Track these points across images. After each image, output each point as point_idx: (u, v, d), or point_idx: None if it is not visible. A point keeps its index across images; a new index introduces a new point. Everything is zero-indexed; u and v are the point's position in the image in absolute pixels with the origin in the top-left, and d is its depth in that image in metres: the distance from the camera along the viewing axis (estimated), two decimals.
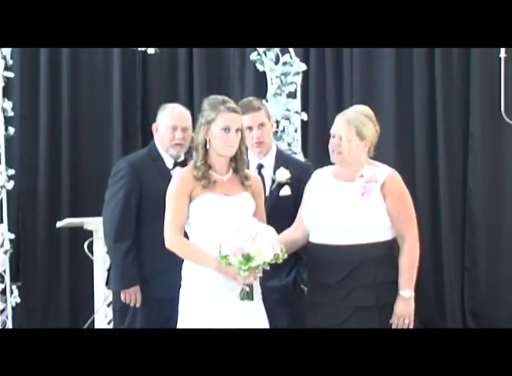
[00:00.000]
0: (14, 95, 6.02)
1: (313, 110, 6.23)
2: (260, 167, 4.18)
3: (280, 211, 4.02)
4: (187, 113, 4.28)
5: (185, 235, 3.64)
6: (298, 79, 5.66)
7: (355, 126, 3.65)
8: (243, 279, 3.42)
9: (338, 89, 6.47)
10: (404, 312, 3.60)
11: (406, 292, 3.61)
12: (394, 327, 3.61)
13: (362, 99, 6.28)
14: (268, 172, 4.17)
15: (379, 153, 6.14)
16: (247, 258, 3.36)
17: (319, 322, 3.64)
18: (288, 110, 5.63)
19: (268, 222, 3.69)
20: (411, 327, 3.63)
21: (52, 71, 6.30)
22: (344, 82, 6.47)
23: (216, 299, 3.53)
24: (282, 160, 4.23)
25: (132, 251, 4.02)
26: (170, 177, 3.89)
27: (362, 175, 3.63)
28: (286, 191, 4.12)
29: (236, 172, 3.63)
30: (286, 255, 3.45)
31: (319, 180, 3.78)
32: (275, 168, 4.16)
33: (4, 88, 5.51)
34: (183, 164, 4.09)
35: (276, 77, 5.63)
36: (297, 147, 5.58)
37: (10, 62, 5.45)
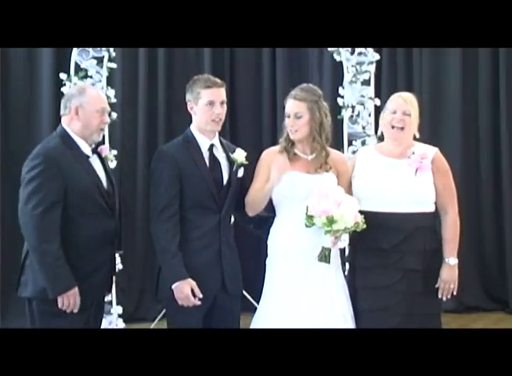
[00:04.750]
0: (116, 84, 6.23)
1: (385, 96, 5.77)
2: (211, 147, 3.82)
3: (240, 192, 3.84)
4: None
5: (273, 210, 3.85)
6: (372, 68, 5.85)
7: (413, 105, 3.80)
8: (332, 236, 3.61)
9: (408, 77, 6.55)
10: (449, 278, 3.79)
11: (452, 260, 3.80)
12: (440, 291, 3.79)
13: (430, 87, 6.48)
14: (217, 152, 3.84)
15: (446, 140, 6.39)
16: (331, 221, 3.51)
17: (368, 283, 3.79)
18: (362, 96, 5.82)
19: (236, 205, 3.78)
20: (455, 291, 3.83)
21: (149, 62, 6.51)
22: (414, 70, 6.53)
23: (297, 264, 3.72)
24: (224, 142, 3.92)
25: (61, 251, 3.44)
26: (89, 165, 3.58)
27: (413, 152, 3.77)
28: (241, 172, 3.85)
29: (319, 153, 3.79)
30: (365, 225, 3.59)
31: (367, 156, 3.90)
32: (227, 149, 3.84)
33: (108, 78, 5.70)
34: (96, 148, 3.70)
35: (352, 66, 5.82)
36: (370, 130, 5.77)
37: (113, 54, 5.68)
